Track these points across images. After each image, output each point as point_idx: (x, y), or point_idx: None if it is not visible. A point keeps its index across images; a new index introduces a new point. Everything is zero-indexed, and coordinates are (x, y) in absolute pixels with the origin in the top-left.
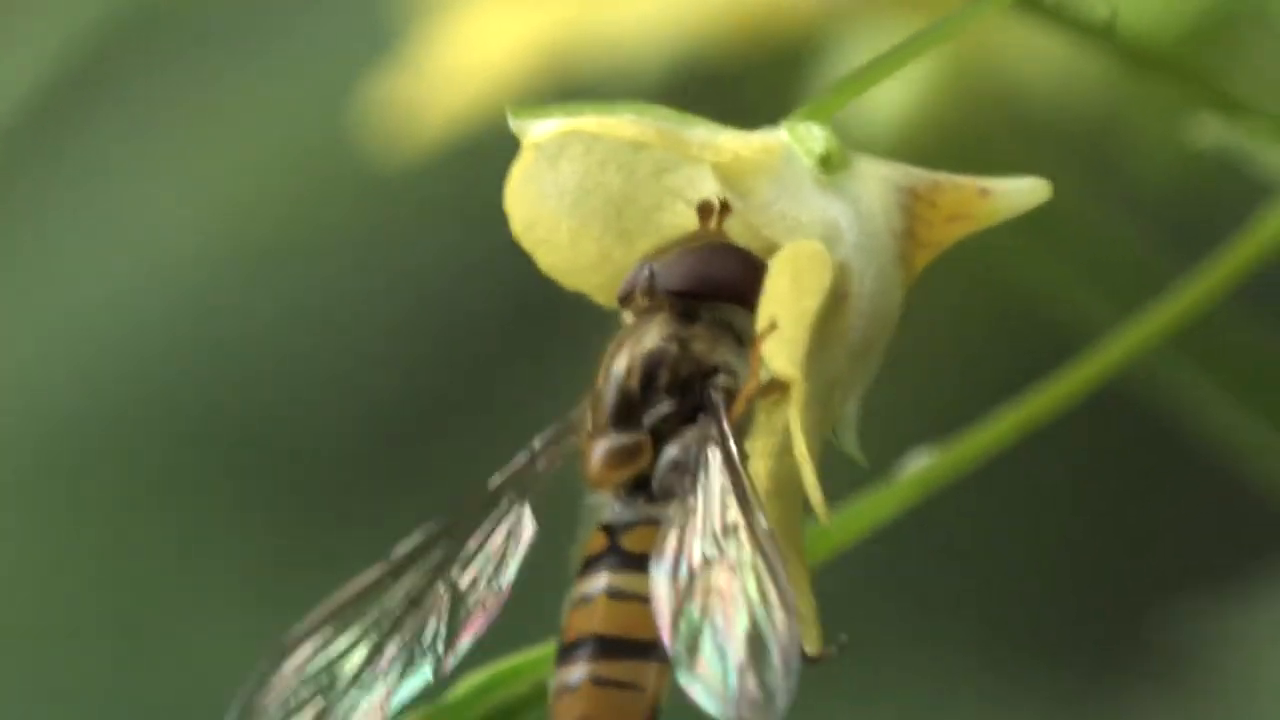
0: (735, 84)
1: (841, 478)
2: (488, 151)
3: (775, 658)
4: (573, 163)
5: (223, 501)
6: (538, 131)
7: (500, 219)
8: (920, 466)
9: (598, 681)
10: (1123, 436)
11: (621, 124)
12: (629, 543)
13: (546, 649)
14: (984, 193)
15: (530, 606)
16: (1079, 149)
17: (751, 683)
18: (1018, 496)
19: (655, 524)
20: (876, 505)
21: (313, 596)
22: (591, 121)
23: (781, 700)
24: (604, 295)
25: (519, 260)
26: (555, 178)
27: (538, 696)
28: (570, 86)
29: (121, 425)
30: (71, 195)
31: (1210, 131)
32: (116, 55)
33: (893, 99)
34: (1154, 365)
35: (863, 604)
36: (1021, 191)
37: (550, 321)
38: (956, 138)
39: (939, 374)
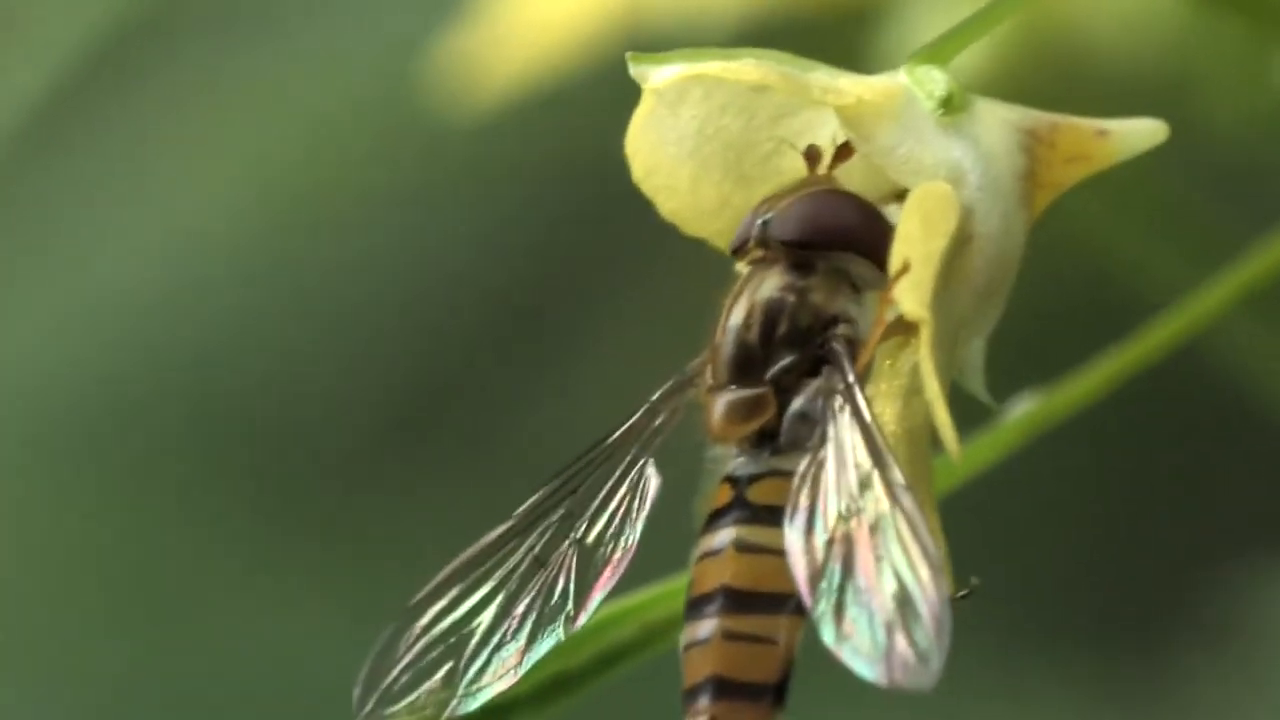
0: (804, 41)
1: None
2: (559, 107)
3: (925, 617)
4: (693, 108)
5: (241, 485)
6: (658, 77)
7: (567, 175)
8: (1023, 411)
9: (729, 636)
10: (1188, 396)
11: (744, 68)
12: (755, 495)
13: (652, 592)
14: (1102, 133)
15: (639, 549)
16: (1151, 104)
17: (902, 643)
18: (1079, 461)
19: (782, 476)
20: (981, 449)
21: (334, 580)
22: (714, 66)
23: (936, 661)
24: (723, 240)
25: (583, 214)
26: (675, 124)
27: (646, 639)
28: (638, 43)
29: (141, 407)
30: (111, 167)
31: None
32: (176, 9)
33: (963, 53)
34: (1224, 325)
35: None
36: (1139, 132)
37: (608, 276)
38: (1029, 92)
39: (1011, 335)
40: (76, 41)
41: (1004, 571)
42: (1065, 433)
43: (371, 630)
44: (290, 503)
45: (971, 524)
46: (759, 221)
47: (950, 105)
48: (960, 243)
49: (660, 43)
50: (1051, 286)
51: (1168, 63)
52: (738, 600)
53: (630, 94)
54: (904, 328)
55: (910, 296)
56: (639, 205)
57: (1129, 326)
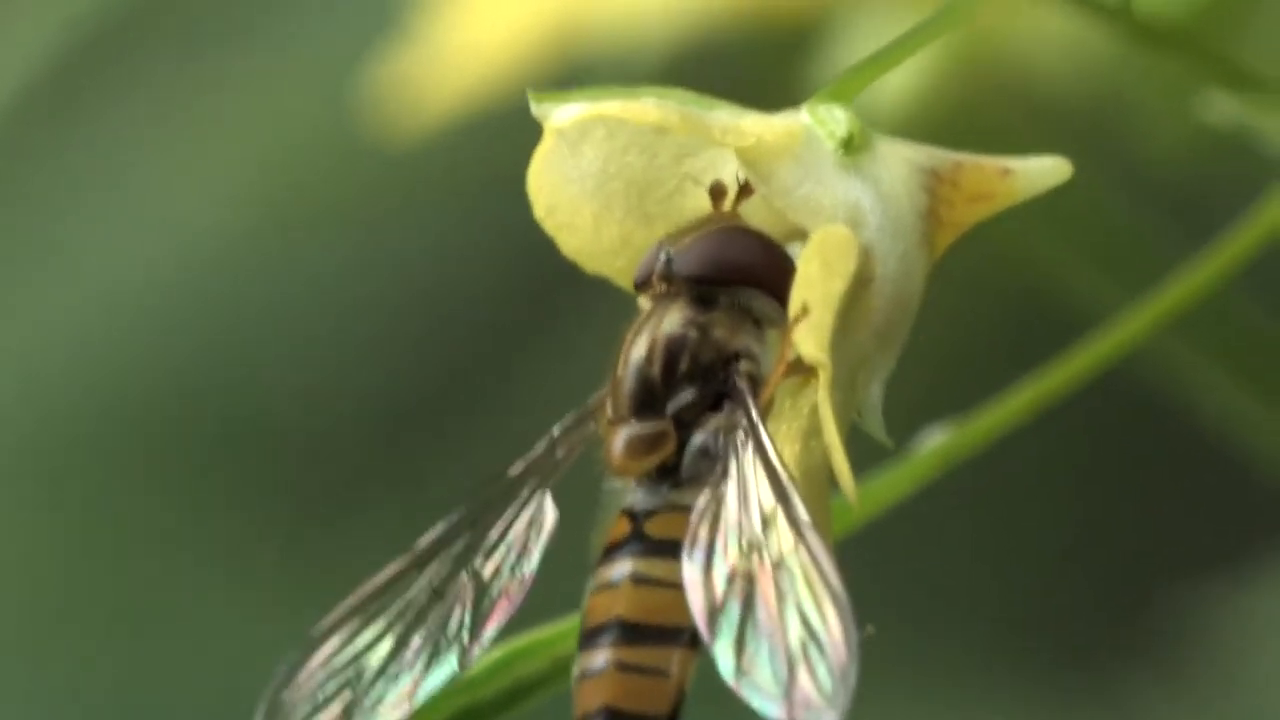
0: (740, 62)
1: (851, 456)
2: (494, 129)
3: (830, 655)
4: (595, 147)
5: (229, 485)
6: (560, 117)
7: (507, 197)
8: (936, 443)
9: (622, 667)
10: (1126, 418)
11: (644, 109)
12: (653, 528)
13: (562, 626)
14: (1005, 173)
15: (543, 583)
16: (1087, 127)
17: (805, 681)
18: (1019, 479)
19: (681, 510)
20: (893, 483)
21: (320, 582)
22: (614, 106)
23: (841, 700)
24: (626, 279)
25: (526, 237)
26: (577, 162)
27: (555, 672)
28: (575, 65)
29: (126, 409)
30: (75, 177)
31: (1220, 108)
32: (122, 34)
33: (900, 77)
34: (1158, 347)
35: (863, 584)
36: (1043, 171)
37: (557, 297)
38: (964, 116)
39: (942, 354)
40: (56, 41)
41: (944, 592)
42: (991, 456)
43: None
44: (281, 503)
45: (907, 546)
46: (663, 256)
47: (851, 145)
48: (860, 284)
49: (595, 65)
50: (981, 305)
51: (1104, 83)
52: (631, 632)
53: None
54: (804, 368)
55: (809, 340)
56: None
57: (1059, 345)
